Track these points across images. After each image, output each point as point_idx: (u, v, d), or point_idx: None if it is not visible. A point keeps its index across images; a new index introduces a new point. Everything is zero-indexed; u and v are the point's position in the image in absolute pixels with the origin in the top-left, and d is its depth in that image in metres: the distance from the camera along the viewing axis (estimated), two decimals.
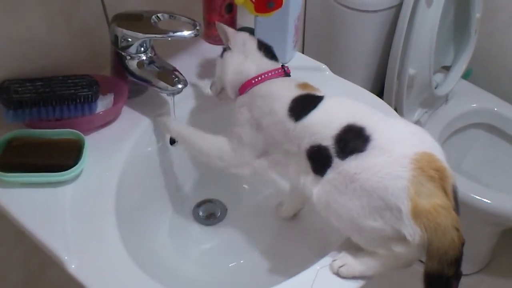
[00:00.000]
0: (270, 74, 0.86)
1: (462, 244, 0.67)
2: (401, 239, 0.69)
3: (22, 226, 0.79)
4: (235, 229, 0.99)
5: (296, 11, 1.07)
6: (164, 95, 0.96)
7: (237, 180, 1.07)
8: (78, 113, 0.89)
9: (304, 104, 0.79)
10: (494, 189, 1.52)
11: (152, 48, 0.95)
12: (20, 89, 0.87)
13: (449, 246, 0.66)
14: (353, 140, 0.73)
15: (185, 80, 0.91)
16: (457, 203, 0.71)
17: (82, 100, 0.88)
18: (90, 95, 0.89)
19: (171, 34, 0.88)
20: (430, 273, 0.68)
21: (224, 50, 0.91)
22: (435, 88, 1.59)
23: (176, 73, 0.92)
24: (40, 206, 0.81)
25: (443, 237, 0.66)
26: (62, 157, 0.85)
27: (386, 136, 0.73)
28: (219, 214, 1.03)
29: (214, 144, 0.86)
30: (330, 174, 0.73)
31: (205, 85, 1.00)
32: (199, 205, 1.03)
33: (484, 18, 1.61)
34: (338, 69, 1.15)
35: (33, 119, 0.88)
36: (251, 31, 1.09)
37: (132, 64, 0.93)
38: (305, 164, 0.77)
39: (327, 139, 0.74)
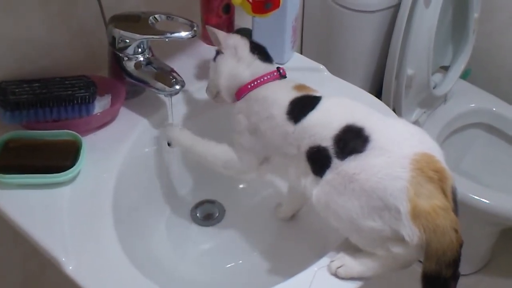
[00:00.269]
0: (265, 78, 0.85)
1: (461, 245, 0.67)
2: (400, 239, 0.69)
3: (19, 227, 0.79)
4: (233, 230, 0.99)
5: (293, 12, 1.07)
6: (161, 96, 0.96)
7: (235, 181, 1.07)
8: (75, 114, 0.89)
9: (302, 106, 0.79)
10: (493, 189, 1.52)
11: (150, 49, 0.95)
12: (17, 90, 0.87)
13: (447, 247, 0.66)
14: (352, 140, 0.73)
15: (183, 81, 0.91)
16: (456, 204, 0.71)
17: (79, 101, 0.88)
18: (87, 96, 0.89)
19: (168, 35, 0.88)
20: (428, 274, 0.68)
21: (217, 53, 0.90)
22: (434, 88, 1.59)
23: (174, 74, 0.92)
24: (38, 208, 0.81)
25: (441, 238, 0.66)
26: (60, 159, 0.85)
27: (386, 136, 0.73)
28: (217, 215, 1.02)
29: (219, 153, 0.86)
30: (329, 174, 0.73)
31: (203, 86, 0.99)
32: (197, 206, 1.03)
33: (482, 18, 1.61)
34: (336, 69, 1.15)
35: (30, 120, 0.88)
36: (248, 32, 1.09)
37: (130, 65, 0.93)
38: (305, 166, 0.77)
39: (326, 139, 0.74)
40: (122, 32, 0.90)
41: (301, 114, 0.78)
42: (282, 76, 0.87)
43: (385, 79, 1.48)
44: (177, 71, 0.93)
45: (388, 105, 1.47)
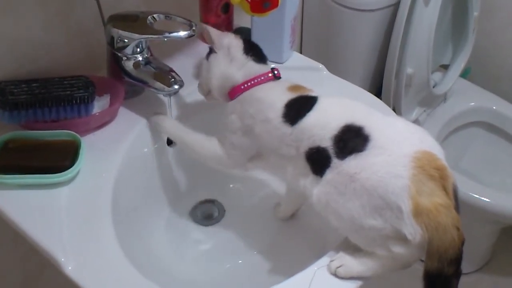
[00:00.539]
0: (259, 79, 0.85)
1: (462, 243, 0.67)
2: (401, 239, 0.68)
3: (18, 227, 0.79)
4: (233, 230, 0.99)
5: (292, 11, 1.07)
6: (160, 95, 0.96)
7: (235, 181, 1.07)
8: (74, 114, 0.89)
9: (299, 107, 0.78)
10: (493, 187, 1.52)
11: (148, 48, 0.95)
12: (15, 90, 0.87)
13: (449, 245, 0.66)
14: (352, 140, 0.72)
15: (182, 81, 0.91)
16: (457, 202, 0.71)
17: (78, 101, 0.88)
18: (86, 96, 0.88)
19: (167, 34, 0.88)
20: (430, 272, 0.68)
21: (210, 51, 0.89)
22: (434, 87, 1.59)
23: (173, 73, 0.92)
24: (37, 208, 0.80)
25: (443, 236, 0.66)
26: (59, 159, 0.85)
27: (386, 135, 0.73)
28: (216, 214, 1.02)
29: (208, 147, 0.86)
30: (329, 174, 0.73)
31: None
32: (196, 206, 1.03)
33: (482, 17, 1.61)
34: (336, 68, 1.15)
35: (29, 120, 0.87)
36: (247, 31, 1.09)
37: (128, 65, 0.93)
38: (304, 166, 0.77)
39: (325, 140, 0.74)
40: (120, 31, 0.90)
41: (298, 116, 0.77)
42: (277, 77, 0.86)
43: (385, 78, 1.48)
44: (176, 71, 0.93)
45: (388, 104, 1.48)
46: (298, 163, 0.77)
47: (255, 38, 1.08)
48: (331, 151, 0.73)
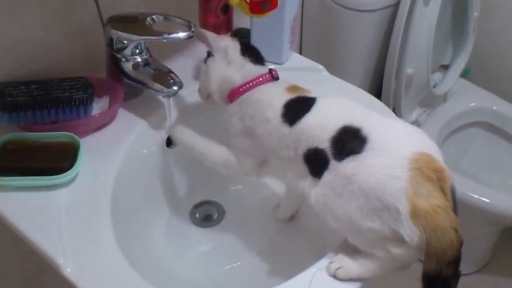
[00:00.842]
0: (257, 81, 0.84)
1: (461, 245, 0.67)
2: (399, 240, 0.68)
3: (17, 229, 0.79)
4: (233, 231, 0.99)
5: (292, 12, 1.06)
6: (159, 97, 0.96)
7: (234, 182, 1.06)
8: (73, 116, 0.89)
9: (297, 108, 0.78)
10: (493, 188, 1.52)
11: (147, 50, 0.95)
12: (14, 92, 0.87)
13: (447, 247, 0.66)
14: (350, 141, 0.72)
15: (181, 82, 0.91)
16: (455, 204, 0.71)
17: (77, 102, 0.88)
18: (85, 98, 0.88)
19: (166, 36, 0.88)
20: (428, 274, 0.68)
21: (208, 55, 0.89)
22: (434, 87, 1.59)
23: (172, 75, 0.92)
24: (36, 210, 0.80)
25: (441, 238, 0.66)
26: (58, 160, 0.85)
27: (384, 136, 0.72)
28: (216, 216, 1.02)
29: (219, 155, 0.86)
30: (327, 176, 0.73)
31: None
32: (196, 207, 1.03)
33: (482, 17, 1.61)
34: (336, 68, 1.15)
35: (28, 122, 0.87)
36: (247, 32, 1.09)
37: (128, 66, 0.93)
38: (303, 168, 0.77)
39: (323, 141, 0.74)
40: (119, 33, 0.90)
41: (297, 116, 0.77)
42: (275, 78, 0.86)
43: (385, 78, 1.48)
44: (175, 72, 0.93)
45: (388, 104, 1.48)
46: (296, 165, 0.77)
47: (255, 38, 1.08)
48: (329, 152, 0.73)
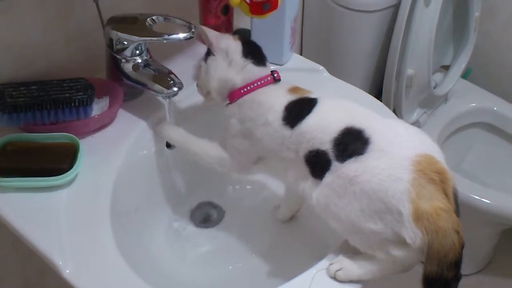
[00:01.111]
0: (258, 83, 0.84)
1: (462, 247, 0.67)
2: (401, 242, 0.68)
3: (16, 231, 0.78)
4: (232, 232, 0.99)
5: (292, 13, 1.06)
6: (159, 98, 0.96)
7: (235, 183, 1.06)
8: (73, 117, 0.89)
9: (298, 110, 0.78)
10: (494, 189, 1.51)
11: (148, 51, 0.95)
12: (14, 93, 0.87)
13: (449, 249, 0.66)
14: (352, 143, 0.72)
15: (181, 83, 0.91)
16: (457, 206, 0.70)
17: (77, 103, 0.88)
18: (85, 99, 0.88)
19: (166, 36, 0.87)
20: (429, 276, 0.67)
21: (209, 53, 0.88)
22: (434, 87, 1.59)
23: (172, 76, 0.92)
24: (35, 211, 0.80)
25: (443, 240, 0.66)
26: (57, 161, 0.84)
27: (386, 138, 0.72)
28: (216, 216, 1.02)
29: (212, 153, 0.86)
30: (328, 177, 0.73)
31: None
32: (196, 208, 1.03)
33: (483, 17, 1.60)
34: (336, 69, 1.15)
35: (28, 123, 0.87)
36: (247, 33, 1.09)
37: (128, 67, 0.93)
38: (304, 170, 0.76)
39: (325, 143, 0.73)
40: (119, 34, 0.90)
41: (298, 118, 0.77)
42: (276, 80, 0.85)
43: (385, 79, 1.48)
44: (175, 73, 0.93)
45: (388, 105, 1.47)
46: (297, 167, 0.77)
47: (255, 39, 1.05)
48: (331, 154, 0.73)
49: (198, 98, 0.95)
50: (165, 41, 0.88)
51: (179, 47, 1.08)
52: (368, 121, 0.75)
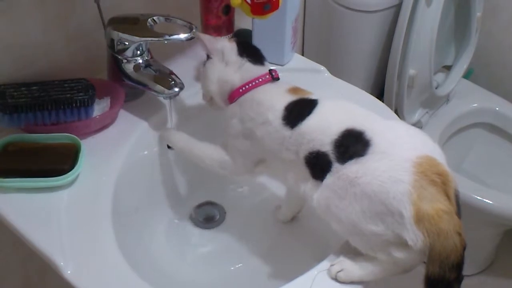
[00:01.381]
0: (257, 81, 0.84)
1: (464, 249, 0.67)
2: (402, 244, 0.68)
3: (17, 231, 0.78)
4: (234, 232, 0.99)
5: (293, 13, 1.06)
6: (161, 98, 0.96)
7: (236, 183, 1.06)
8: (74, 117, 0.89)
9: (299, 110, 0.78)
10: (496, 189, 1.51)
11: (149, 51, 0.94)
12: (15, 93, 0.87)
13: (451, 251, 0.66)
14: (353, 144, 0.72)
15: (182, 83, 0.91)
16: (459, 207, 0.70)
17: (78, 104, 0.88)
18: (86, 99, 0.88)
19: (167, 37, 0.87)
20: (431, 277, 0.67)
21: (207, 58, 0.89)
22: (436, 88, 1.58)
23: (173, 76, 0.92)
24: (36, 211, 0.80)
25: (445, 242, 0.65)
26: (58, 162, 0.84)
27: (387, 139, 0.72)
28: (217, 217, 1.02)
29: (214, 155, 0.86)
30: (329, 179, 0.73)
31: None
32: (197, 208, 1.03)
33: (485, 17, 1.60)
34: (338, 69, 1.14)
35: (29, 123, 0.87)
36: (248, 33, 1.09)
37: (129, 68, 0.93)
38: (304, 171, 0.76)
39: (325, 144, 0.73)
40: (120, 34, 0.90)
41: (298, 119, 0.77)
42: (275, 78, 0.85)
43: (387, 79, 1.47)
44: (176, 73, 0.93)
45: (390, 105, 1.47)
46: (298, 168, 0.77)
47: (256, 39, 1.07)
48: (332, 155, 0.72)
49: (200, 99, 0.95)
50: (166, 42, 0.88)
51: (180, 48, 1.08)
52: (369, 122, 0.74)
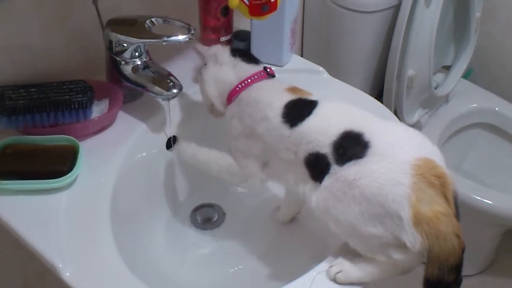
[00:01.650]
0: (253, 78, 0.84)
1: (463, 251, 0.67)
2: (401, 245, 0.68)
3: (16, 233, 0.78)
4: (233, 234, 0.99)
5: (292, 14, 1.06)
6: (159, 100, 0.96)
7: (235, 185, 1.06)
8: (72, 119, 0.89)
9: (298, 110, 0.78)
10: (496, 189, 1.51)
11: (147, 52, 0.94)
12: (13, 95, 0.87)
13: (449, 253, 0.66)
14: (351, 146, 0.72)
15: (180, 85, 0.91)
16: (457, 210, 0.70)
17: (76, 106, 0.88)
18: (84, 101, 0.88)
19: (165, 38, 0.87)
20: (430, 279, 0.67)
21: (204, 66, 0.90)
22: (436, 88, 1.58)
23: (171, 77, 0.92)
24: (35, 213, 0.80)
25: (444, 244, 0.65)
26: (57, 164, 0.84)
27: (386, 141, 0.72)
28: (216, 218, 1.02)
29: (222, 161, 0.86)
30: (328, 180, 0.73)
31: None
32: (196, 209, 1.03)
33: (484, 17, 1.60)
34: (337, 70, 1.14)
35: (28, 125, 0.87)
36: (247, 34, 1.09)
37: (127, 69, 0.93)
38: (303, 172, 0.76)
39: (324, 146, 0.73)
40: (119, 36, 0.90)
41: (297, 119, 0.77)
42: (270, 75, 0.86)
43: (386, 80, 1.47)
44: (174, 75, 0.93)
45: (389, 106, 1.47)
46: (297, 169, 0.77)
47: (255, 41, 1.08)
48: (331, 157, 0.72)
49: (199, 100, 0.95)
50: (164, 43, 0.88)
51: (179, 49, 1.08)
52: (367, 124, 0.74)
